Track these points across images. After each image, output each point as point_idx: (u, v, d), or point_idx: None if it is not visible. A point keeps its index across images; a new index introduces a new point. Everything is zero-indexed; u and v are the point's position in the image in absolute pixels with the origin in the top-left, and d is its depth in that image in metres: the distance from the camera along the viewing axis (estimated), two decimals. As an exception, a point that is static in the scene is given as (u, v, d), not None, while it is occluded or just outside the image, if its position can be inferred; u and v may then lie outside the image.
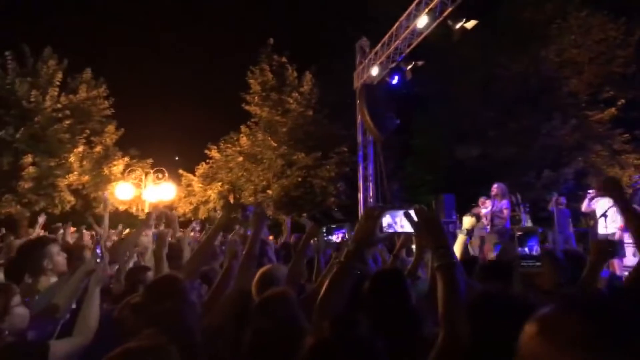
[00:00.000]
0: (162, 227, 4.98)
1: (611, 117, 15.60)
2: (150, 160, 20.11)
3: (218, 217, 3.19)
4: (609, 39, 16.12)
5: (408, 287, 2.37)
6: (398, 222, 2.11)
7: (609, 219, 7.12)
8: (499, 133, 15.80)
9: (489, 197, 10.77)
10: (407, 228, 1.83)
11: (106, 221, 5.01)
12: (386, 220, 2.06)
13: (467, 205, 10.92)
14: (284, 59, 18.81)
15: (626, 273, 7.45)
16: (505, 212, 8.55)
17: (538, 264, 2.04)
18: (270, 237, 12.78)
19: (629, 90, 15.43)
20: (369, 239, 1.83)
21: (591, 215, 7.26)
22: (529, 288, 2.51)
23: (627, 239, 8.24)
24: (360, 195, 14.68)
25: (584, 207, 7.47)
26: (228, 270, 2.93)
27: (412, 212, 1.80)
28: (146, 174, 17.60)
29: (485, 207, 9.61)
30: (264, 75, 18.75)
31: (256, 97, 18.82)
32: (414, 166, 19.17)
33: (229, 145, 19.51)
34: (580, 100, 15.66)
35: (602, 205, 7.26)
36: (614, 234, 7.47)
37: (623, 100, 15.38)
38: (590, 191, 7.62)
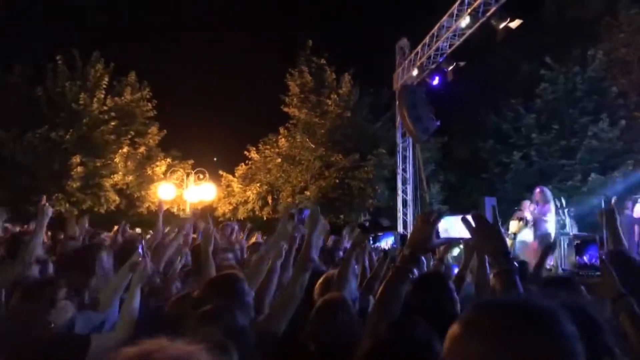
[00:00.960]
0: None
1: (663, 118, 14.95)
2: (191, 161, 20.53)
3: (277, 229, 3.20)
4: (662, 36, 15.46)
5: (452, 291, 2.35)
6: (453, 227, 2.10)
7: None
8: (543, 135, 15.37)
9: (532, 200, 10.52)
10: (463, 234, 1.81)
11: (160, 225, 5.14)
12: (442, 225, 2.05)
13: (509, 209, 10.68)
14: (322, 61, 18.89)
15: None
16: (549, 216, 8.32)
17: (598, 273, 2.00)
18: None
19: (683, 90, 14.74)
20: (425, 244, 1.82)
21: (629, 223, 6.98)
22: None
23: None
24: (399, 198, 14.56)
25: (636, 212, 7.18)
26: (272, 270, 2.97)
27: (469, 217, 1.78)
28: (187, 174, 17.99)
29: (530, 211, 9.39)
30: (302, 77, 18.89)
31: (295, 99, 18.98)
32: (455, 169, 18.87)
33: (267, 146, 19.74)
34: (630, 101, 15.06)
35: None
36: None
37: (677, 101, 14.70)
38: (635, 196, 7.32)
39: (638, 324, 1.65)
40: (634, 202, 8.02)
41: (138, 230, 13.60)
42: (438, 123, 13.15)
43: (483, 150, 17.31)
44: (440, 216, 1.92)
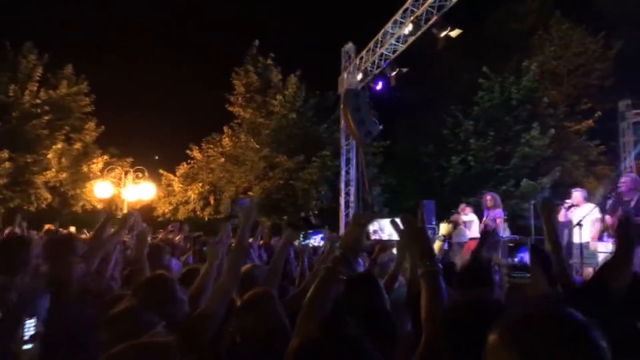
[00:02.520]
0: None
1: (588, 128, 15.98)
2: (130, 159, 19.87)
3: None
4: (588, 52, 16.55)
5: (381, 292, 2.41)
6: (384, 229, 2.15)
7: (583, 229, 7.29)
8: (480, 141, 16.02)
9: (468, 204, 10.96)
10: (394, 236, 1.86)
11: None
12: (373, 227, 2.09)
13: (447, 211, 11.05)
14: (269, 61, 18.80)
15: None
16: (499, 221, 8.74)
17: (528, 275, 2.11)
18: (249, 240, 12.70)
19: (606, 102, 15.82)
20: (355, 245, 1.85)
21: (567, 225, 7.41)
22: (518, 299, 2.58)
23: (600, 248, 8.44)
24: (342, 200, 14.74)
25: (561, 217, 7.62)
26: (207, 273, 2.94)
27: (398, 220, 1.83)
28: (126, 172, 17.39)
29: (465, 214, 9.77)
30: (248, 76, 18.71)
31: (240, 99, 18.78)
32: (395, 172, 19.32)
33: (210, 145, 19.41)
34: (559, 111, 16.00)
35: (578, 214, 7.43)
36: (587, 242, 7.65)
37: (600, 113, 15.75)
38: (567, 201, 7.79)
39: None
40: (561, 207, 8.52)
41: (72, 229, 13.02)
42: (381, 127, 13.42)
43: (424, 154, 17.82)
44: (372, 218, 1.96)
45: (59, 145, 17.59)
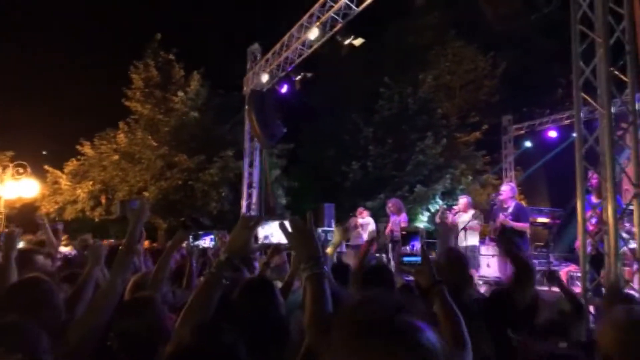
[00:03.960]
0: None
1: (476, 139, 17.32)
2: (10, 153, 18.07)
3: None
4: (478, 69, 17.91)
5: (275, 296, 2.37)
6: (275, 232, 2.12)
7: (468, 232, 7.84)
8: (378, 148, 16.64)
9: (366, 207, 11.35)
10: (284, 239, 1.83)
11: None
12: (264, 230, 2.04)
13: (346, 215, 11.33)
14: (171, 56, 18.09)
15: (480, 282, 8.24)
16: (403, 225, 9.19)
17: (419, 260, 2.19)
18: (146, 243, 12.14)
19: (492, 116, 17.23)
20: (242, 249, 1.80)
21: (454, 229, 7.93)
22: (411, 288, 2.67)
23: (483, 251, 9.13)
24: (244, 202, 14.52)
25: (448, 222, 8.15)
26: (87, 277, 2.75)
27: (287, 224, 1.80)
28: (4, 167, 15.78)
29: (362, 217, 10.10)
30: (148, 71, 17.85)
31: (138, 93, 17.84)
32: (299, 175, 19.47)
33: (104, 142, 18.21)
34: (451, 122, 17.13)
35: (463, 220, 7.97)
36: (473, 246, 8.23)
37: (486, 126, 17.13)
38: (454, 207, 8.32)
39: (447, 310, 1.79)
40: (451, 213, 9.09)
41: None
42: (285, 130, 13.43)
43: (325, 158, 18.16)
44: (259, 221, 1.91)
45: None
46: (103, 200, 17.69)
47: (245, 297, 2.26)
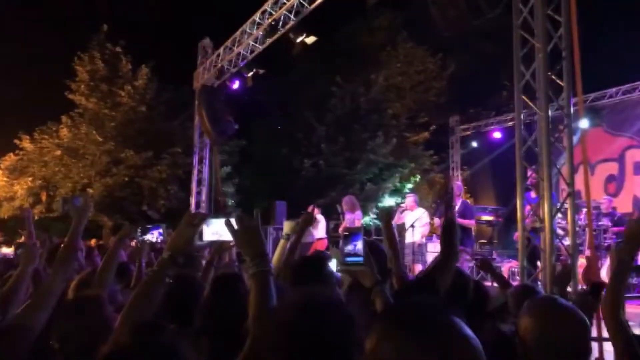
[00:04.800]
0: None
1: (424, 139, 17.76)
2: (-63, 146, 17.01)
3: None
4: (427, 70, 18.32)
5: (245, 293, 2.36)
6: (223, 230, 2.10)
7: (415, 230, 8.04)
8: (330, 146, 16.74)
9: (318, 205, 11.41)
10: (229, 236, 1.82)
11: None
12: (212, 228, 2.03)
13: (298, 212, 11.32)
14: (118, 49, 17.48)
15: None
16: (357, 222, 9.30)
17: (361, 259, 2.23)
18: (93, 241, 11.76)
19: (440, 117, 17.72)
20: (185, 246, 1.77)
21: (401, 227, 8.12)
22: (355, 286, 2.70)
23: (430, 248, 9.38)
24: (193, 200, 14.26)
25: (395, 219, 8.33)
26: (20, 276, 2.64)
27: (233, 221, 1.79)
28: None
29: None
30: (94, 63, 17.17)
31: (82, 86, 17.14)
32: (250, 172, 19.30)
33: (45, 136, 17.39)
34: (401, 122, 17.47)
35: (410, 218, 8.17)
36: (420, 242, 8.46)
37: (434, 126, 17.61)
38: (401, 205, 8.53)
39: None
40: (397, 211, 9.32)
41: None
42: (236, 126, 13.29)
43: (278, 156, 18.09)
44: (204, 219, 1.89)
45: None
46: (44, 197, 16.92)
47: (215, 294, 2.25)
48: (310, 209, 10.48)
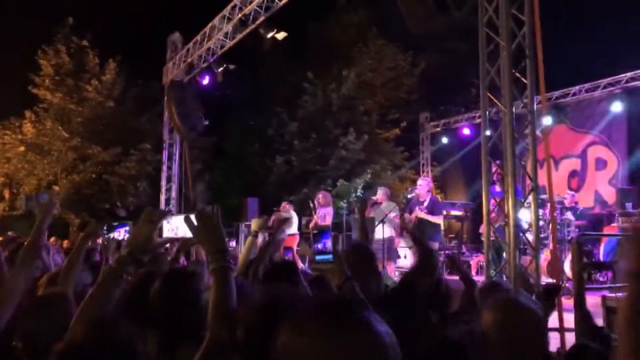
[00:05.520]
0: None
1: (395, 136, 17.92)
2: None
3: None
4: (398, 67, 18.48)
5: (197, 289, 2.34)
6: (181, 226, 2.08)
7: (386, 226, 8.12)
8: (302, 143, 16.73)
9: (290, 202, 11.42)
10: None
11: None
12: (173, 224, 2.00)
13: (269, 209, 11.31)
14: (84, 42, 17.06)
15: (397, 273, 8.56)
16: (328, 218, 9.55)
17: (331, 258, 2.26)
18: (65, 242, 11.51)
19: (410, 114, 17.91)
20: (144, 244, 1.75)
21: (370, 220, 8.19)
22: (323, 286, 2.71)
23: (401, 243, 9.48)
24: (163, 197, 14.07)
25: (367, 213, 8.40)
26: None
27: (192, 217, 1.77)
28: None
29: (286, 211, 10.16)
30: (59, 57, 16.73)
31: (47, 81, 16.68)
32: (222, 169, 19.14)
33: (8, 132, 16.84)
34: (372, 119, 17.57)
35: (379, 213, 8.25)
36: (390, 237, 8.54)
37: (405, 123, 17.78)
38: (372, 198, 8.62)
39: None
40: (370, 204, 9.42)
41: None
42: (206, 122, 13.14)
43: (249, 152, 17.98)
44: (164, 216, 1.87)
45: None
46: (7, 195, 16.42)
47: (167, 290, 2.22)
48: (282, 206, 10.52)
